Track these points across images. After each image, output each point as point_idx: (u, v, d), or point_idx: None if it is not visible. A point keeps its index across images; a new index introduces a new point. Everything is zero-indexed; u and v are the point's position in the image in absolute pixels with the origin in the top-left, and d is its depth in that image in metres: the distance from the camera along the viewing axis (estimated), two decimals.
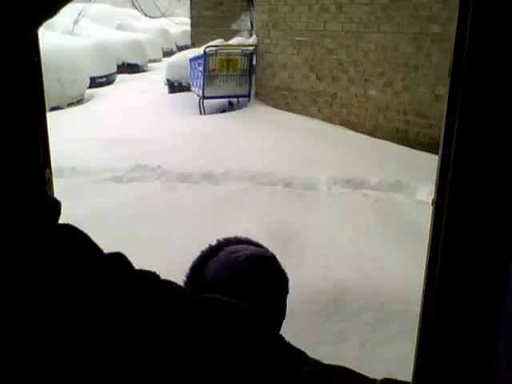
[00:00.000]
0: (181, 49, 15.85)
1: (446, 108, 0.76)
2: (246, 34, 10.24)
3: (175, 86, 9.05)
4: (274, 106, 7.64)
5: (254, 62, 7.94)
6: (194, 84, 8.08)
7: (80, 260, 0.64)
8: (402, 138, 6.09)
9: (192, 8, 11.85)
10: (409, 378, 1.25)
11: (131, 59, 13.62)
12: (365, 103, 6.50)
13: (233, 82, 7.85)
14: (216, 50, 7.65)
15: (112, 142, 5.94)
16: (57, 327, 0.53)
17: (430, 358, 0.87)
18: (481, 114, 0.69)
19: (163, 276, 2.95)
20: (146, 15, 18.88)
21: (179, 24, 20.72)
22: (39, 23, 0.55)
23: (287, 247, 3.33)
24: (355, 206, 4.12)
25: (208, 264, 1.27)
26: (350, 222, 3.83)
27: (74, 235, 0.70)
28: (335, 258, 3.22)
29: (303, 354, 0.89)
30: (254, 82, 8.00)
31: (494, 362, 0.80)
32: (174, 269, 3.61)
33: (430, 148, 5.28)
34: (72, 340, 0.55)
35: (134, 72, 13.35)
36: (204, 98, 7.70)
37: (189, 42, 12.94)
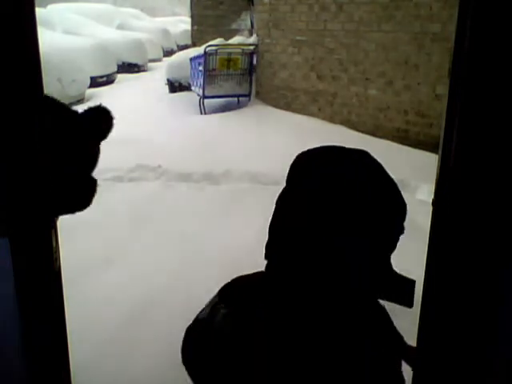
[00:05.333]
0: (181, 48, 15.83)
1: (445, 107, 0.75)
2: (246, 33, 10.24)
3: (175, 86, 9.05)
4: (275, 106, 7.64)
5: (255, 62, 7.94)
6: (195, 83, 8.07)
7: None
8: (403, 137, 6.09)
9: (192, 7, 11.85)
10: (409, 377, 1.25)
11: (131, 59, 13.60)
12: (365, 102, 6.49)
13: (233, 81, 7.84)
14: (216, 50, 7.64)
15: (112, 141, 5.87)
16: None
17: (430, 357, 0.87)
18: (481, 113, 0.69)
19: (167, 275, 2.92)
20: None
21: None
22: None
23: None
24: None
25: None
26: None
27: None
28: None
29: None
30: (254, 81, 8.00)
31: (494, 360, 0.80)
32: (175, 267, 3.62)
33: (431, 147, 5.28)
34: None
35: (134, 72, 13.34)
36: (204, 97, 7.69)
37: (189, 42, 12.93)
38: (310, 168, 0.87)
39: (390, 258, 0.88)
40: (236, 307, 0.85)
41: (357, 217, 0.80)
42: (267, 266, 0.89)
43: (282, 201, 0.89)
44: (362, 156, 0.86)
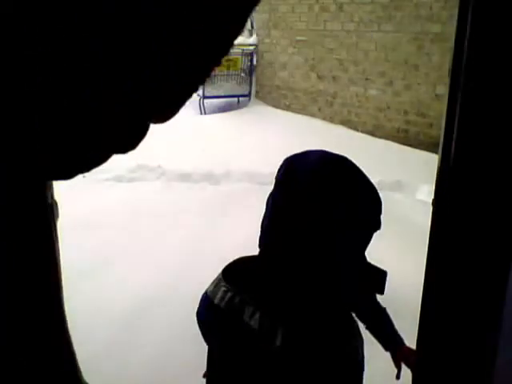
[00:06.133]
0: None
1: (446, 107, 0.75)
2: (246, 33, 10.23)
3: None
4: (275, 106, 7.64)
5: (255, 62, 7.94)
6: None
7: None
8: (403, 137, 6.09)
9: None
10: (409, 377, 1.25)
11: None
12: (365, 103, 6.49)
13: (233, 81, 7.85)
14: None
15: None
16: None
17: (430, 357, 0.87)
18: (481, 113, 0.69)
19: (167, 275, 2.90)
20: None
21: None
22: None
23: None
24: None
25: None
26: None
27: None
28: None
29: None
30: (254, 81, 8.00)
31: (495, 361, 0.80)
32: (175, 267, 3.61)
33: (431, 147, 5.28)
34: None
35: None
36: (204, 97, 7.70)
37: None
38: (295, 170, 0.95)
39: (364, 252, 0.99)
40: (233, 286, 0.98)
41: (339, 214, 0.90)
42: (259, 254, 1.01)
43: (269, 199, 1.00)
44: (342, 159, 0.96)
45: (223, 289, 0.98)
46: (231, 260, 1.09)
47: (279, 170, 0.98)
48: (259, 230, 1.02)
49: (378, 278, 0.95)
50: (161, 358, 2.34)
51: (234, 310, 0.94)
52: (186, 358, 2.26)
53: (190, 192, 4.56)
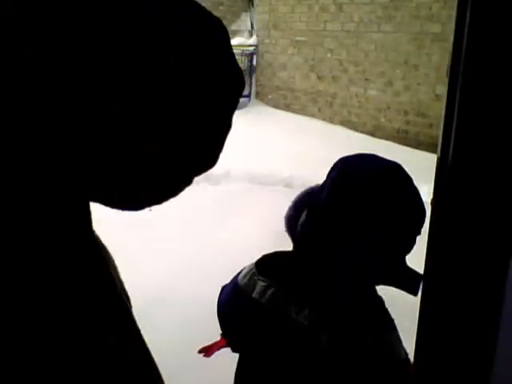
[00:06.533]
0: None
1: (444, 107, 0.76)
2: (246, 34, 10.24)
3: None
4: (274, 106, 7.64)
5: (254, 62, 7.95)
6: None
7: None
8: (403, 137, 6.09)
9: None
10: None
11: None
12: (365, 103, 6.49)
13: None
14: None
15: None
16: None
17: (429, 358, 0.87)
18: (479, 112, 0.69)
19: (167, 275, 2.90)
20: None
21: None
22: None
23: (288, 247, 3.32)
24: None
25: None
26: None
27: None
28: None
29: None
30: (254, 82, 8.00)
31: (494, 362, 0.80)
32: (175, 267, 3.60)
33: (431, 148, 5.28)
34: None
35: None
36: None
37: None
38: (348, 172, 0.97)
39: (405, 256, 0.99)
40: (273, 282, 0.96)
41: (385, 217, 0.92)
42: (298, 249, 1.00)
43: (315, 198, 0.99)
44: (396, 166, 1.00)
45: (262, 283, 0.97)
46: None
47: (331, 171, 1.00)
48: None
49: (413, 280, 0.96)
50: (160, 358, 2.34)
51: (278, 306, 0.94)
52: (186, 357, 2.26)
53: (190, 192, 4.54)
